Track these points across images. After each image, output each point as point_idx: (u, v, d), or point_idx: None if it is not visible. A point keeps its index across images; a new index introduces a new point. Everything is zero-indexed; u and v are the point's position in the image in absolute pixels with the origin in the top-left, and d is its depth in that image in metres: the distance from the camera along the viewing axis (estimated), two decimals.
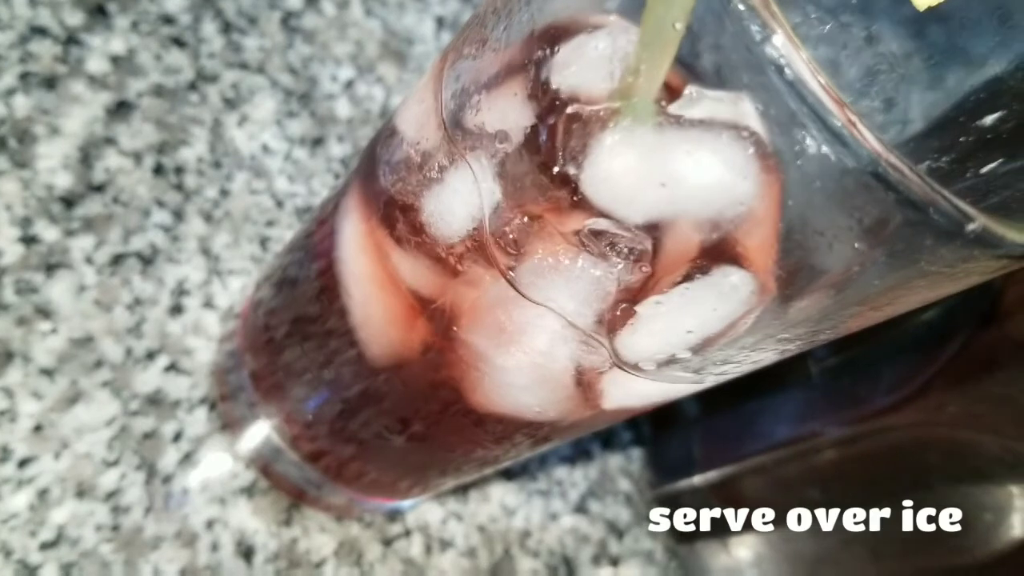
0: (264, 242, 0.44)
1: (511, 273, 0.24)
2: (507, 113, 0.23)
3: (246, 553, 0.38)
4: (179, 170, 0.43)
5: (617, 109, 0.21)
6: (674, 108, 0.20)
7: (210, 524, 0.38)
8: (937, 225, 0.17)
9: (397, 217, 0.28)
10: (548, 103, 0.22)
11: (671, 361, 0.25)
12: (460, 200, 0.25)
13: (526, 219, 0.23)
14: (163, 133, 0.43)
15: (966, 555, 0.36)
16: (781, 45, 0.16)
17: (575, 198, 0.21)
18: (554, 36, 0.22)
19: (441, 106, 0.26)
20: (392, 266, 0.29)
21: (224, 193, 0.44)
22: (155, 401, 0.39)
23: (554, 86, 0.22)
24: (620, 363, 0.25)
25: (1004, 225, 0.17)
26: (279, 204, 0.45)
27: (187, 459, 0.39)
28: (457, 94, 0.25)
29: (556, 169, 0.21)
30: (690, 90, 0.20)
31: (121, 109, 0.43)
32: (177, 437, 0.39)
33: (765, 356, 0.25)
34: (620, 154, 0.21)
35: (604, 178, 0.21)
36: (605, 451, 0.52)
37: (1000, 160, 0.24)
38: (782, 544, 0.45)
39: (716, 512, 0.47)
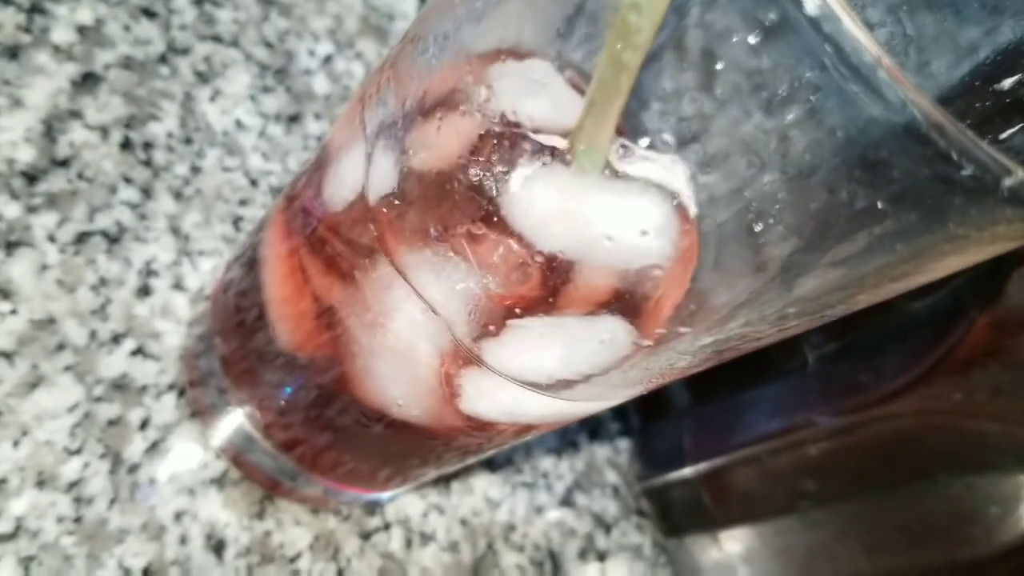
0: (237, 222, 0.42)
1: (390, 253, 0.24)
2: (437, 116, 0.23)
3: (216, 547, 0.37)
4: (148, 145, 0.41)
5: (558, 148, 0.21)
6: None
7: (178, 516, 0.36)
8: (970, 180, 0.15)
9: (303, 190, 0.29)
10: (492, 119, 0.22)
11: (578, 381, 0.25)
12: (351, 170, 0.26)
13: (412, 209, 0.23)
14: (131, 107, 0.41)
15: (968, 549, 0.35)
16: None
17: (484, 206, 0.21)
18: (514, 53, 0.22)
19: (365, 91, 0.26)
20: (292, 238, 0.30)
21: (195, 170, 0.42)
22: (121, 387, 0.37)
23: (503, 103, 0.21)
24: (494, 371, 0.25)
25: None
26: (253, 183, 0.43)
27: (154, 448, 0.37)
28: (390, 80, 0.25)
29: (475, 175, 0.21)
30: (618, 144, 0.20)
31: (87, 81, 0.41)
32: (144, 425, 0.37)
33: (767, 336, 0.23)
34: (542, 184, 0.21)
35: (519, 200, 0.21)
36: (592, 442, 0.50)
37: (1020, 125, 0.23)
38: (774, 538, 0.44)
39: (706, 505, 0.46)
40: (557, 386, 0.25)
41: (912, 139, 0.15)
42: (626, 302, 0.22)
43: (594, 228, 0.21)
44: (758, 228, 0.20)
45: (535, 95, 0.21)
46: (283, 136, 0.45)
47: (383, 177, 0.24)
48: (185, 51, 0.44)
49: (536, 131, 0.21)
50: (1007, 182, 0.15)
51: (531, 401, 0.26)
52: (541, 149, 0.21)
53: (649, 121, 0.20)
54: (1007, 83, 0.24)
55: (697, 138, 0.20)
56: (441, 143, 0.22)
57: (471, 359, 0.25)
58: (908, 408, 0.34)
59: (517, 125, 0.21)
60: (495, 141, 0.21)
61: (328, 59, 0.49)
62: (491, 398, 0.26)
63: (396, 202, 0.23)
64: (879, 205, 0.17)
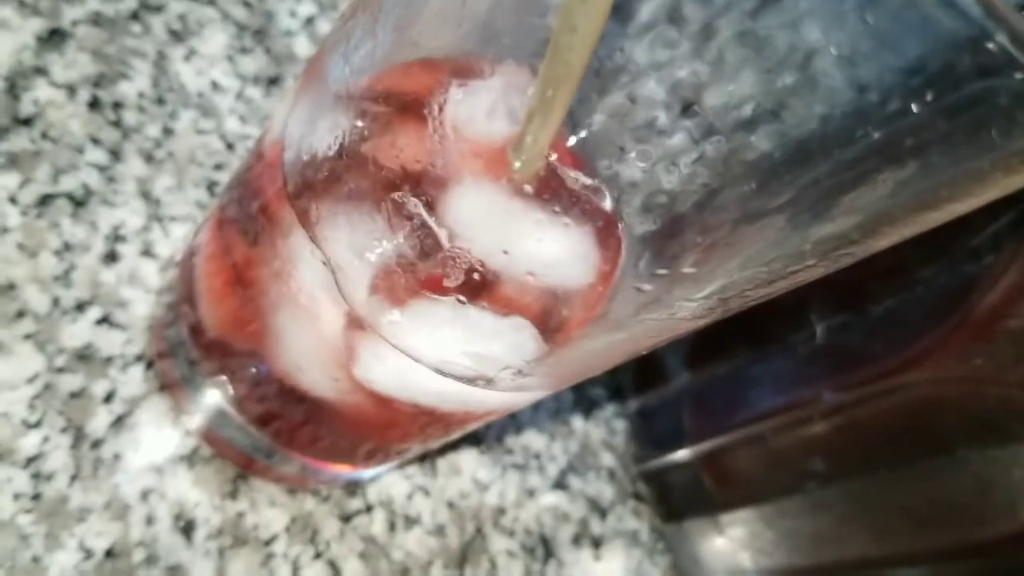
0: (211, 187, 0.40)
1: (298, 202, 0.24)
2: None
3: (185, 528, 0.34)
4: (117, 105, 0.39)
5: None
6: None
7: (145, 495, 0.34)
8: (1019, 78, 0.13)
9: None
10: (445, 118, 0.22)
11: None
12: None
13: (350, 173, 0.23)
14: (100, 65, 0.39)
15: (989, 528, 0.33)
16: None
17: (415, 190, 0.22)
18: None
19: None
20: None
21: (167, 132, 0.40)
22: (84, 357, 0.34)
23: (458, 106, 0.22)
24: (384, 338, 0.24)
25: None
26: (229, 146, 0.41)
27: (120, 422, 0.34)
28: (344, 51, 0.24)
29: (417, 165, 0.21)
30: (552, 164, 0.21)
31: (54, 37, 0.38)
32: (109, 397, 0.34)
33: (779, 279, 0.21)
34: (475, 189, 0.21)
35: (452, 197, 0.21)
36: (587, 423, 0.48)
37: None
38: (778, 521, 0.42)
39: (707, 488, 0.44)
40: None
41: (957, 27, 0.13)
42: (533, 313, 0.23)
43: (510, 241, 0.21)
44: (787, 146, 0.18)
45: (490, 102, 0.21)
46: (262, 99, 0.43)
47: (327, 137, 0.23)
48: (159, 8, 0.42)
49: (482, 137, 0.21)
50: None
51: (424, 377, 0.25)
52: (483, 156, 0.21)
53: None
54: None
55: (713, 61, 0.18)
56: (392, 129, 0.22)
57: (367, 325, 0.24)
58: (924, 376, 0.32)
59: (463, 132, 0.21)
60: (444, 138, 0.21)
61: (310, 20, 0.47)
62: (386, 367, 0.26)
63: (329, 165, 0.23)
64: (915, 110, 0.15)
